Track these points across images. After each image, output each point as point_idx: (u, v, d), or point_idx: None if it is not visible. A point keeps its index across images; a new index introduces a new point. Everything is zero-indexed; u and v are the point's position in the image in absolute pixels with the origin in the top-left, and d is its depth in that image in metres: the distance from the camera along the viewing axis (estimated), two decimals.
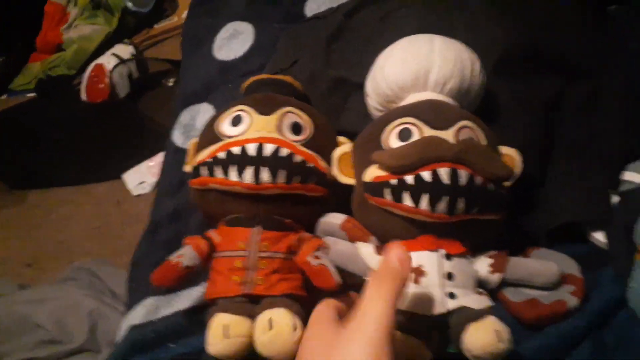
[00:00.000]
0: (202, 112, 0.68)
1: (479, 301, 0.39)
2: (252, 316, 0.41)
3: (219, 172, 0.44)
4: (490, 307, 0.39)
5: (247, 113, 0.47)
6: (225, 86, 0.69)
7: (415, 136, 0.41)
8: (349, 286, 0.42)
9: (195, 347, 0.47)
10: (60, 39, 1.79)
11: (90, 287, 0.97)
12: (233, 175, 0.43)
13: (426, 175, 0.37)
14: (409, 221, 0.40)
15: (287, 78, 0.54)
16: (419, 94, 0.46)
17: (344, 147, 0.47)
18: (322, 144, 0.48)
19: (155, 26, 1.80)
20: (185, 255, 0.46)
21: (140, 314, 0.52)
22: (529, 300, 0.41)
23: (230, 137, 0.46)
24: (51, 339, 0.85)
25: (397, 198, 0.39)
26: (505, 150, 0.44)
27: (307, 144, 0.46)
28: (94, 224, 1.36)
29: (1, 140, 1.54)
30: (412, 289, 0.39)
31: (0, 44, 1.84)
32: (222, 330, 0.40)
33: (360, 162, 0.44)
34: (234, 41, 0.74)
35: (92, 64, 1.59)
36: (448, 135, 0.40)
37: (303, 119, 0.48)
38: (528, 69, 0.52)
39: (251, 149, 0.43)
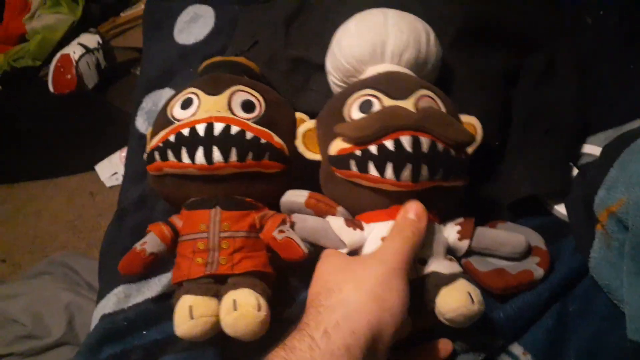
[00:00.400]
0: (165, 98, 0.67)
1: (450, 267, 0.40)
2: (218, 296, 0.42)
3: (171, 156, 0.43)
4: (461, 272, 0.40)
5: (195, 95, 0.47)
6: (187, 71, 0.69)
7: (376, 107, 0.41)
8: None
9: (167, 333, 0.48)
10: (23, 29, 1.74)
11: (66, 280, 0.97)
12: (185, 157, 0.43)
13: (389, 144, 0.38)
14: (376, 191, 0.40)
15: (241, 59, 0.53)
16: (378, 66, 0.46)
17: (308, 123, 0.47)
18: (276, 120, 0.47)
19: (122, 14, 1.76)
20: (149, 242, 0.46)
21: (111, 302, 0.52)
22: (496, 270, 0.42)
23: (180, 120, 0.46)
24: (28, 333, 0.84)
25: (363, 169, 0.39)
26: (465, 118, 0.45)
27: (259, 121, 0.46)
28: (67, 217, 1.34)
29: None
30: None
31: None
32: (187, 311, 0.40)
33: (324, 136, 0.44)
34: (194, 25, 0.73)
35: (58, 55, 1.56)
36: (408, 104, 0.41)
37: (254, 96, 0.48)
38: (484, 43, 0.53)
39: (200, 130, 0.42)
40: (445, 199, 0.42)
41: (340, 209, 0.45)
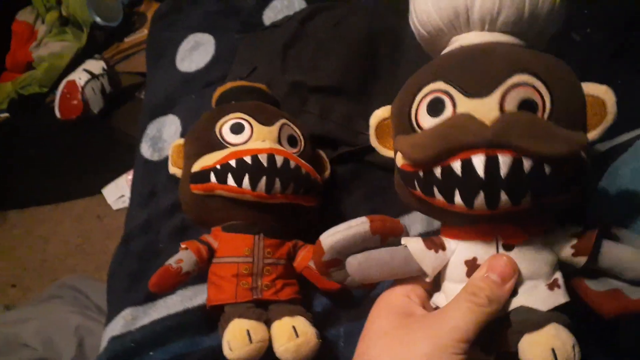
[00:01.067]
0: (168, 124, 0.70)
1: (546, 299, 0.32)
2: (264, 321, 0.43)
3: (230, 180, 0.44)
4: (560, 305, 0.32)
5: (247, 122, 0.48)
6: (188, 97, 0.71)
7: (448, 109, 0.32)
8: None
9: (174, 354, 0.49)
10: (30, 57, 1.79)
11: (75, 303, 0.98)
12: (245, 183, 0.44)
13: (456, 167, 0.30)
14: (451, 212, 0.33)
15: (262, 86, 0.55)
16: (465, 35, 0.36)
17: (381, 112, 0.39)
18: (311, 156, 0.50)
19: (125, 40, 1.80)
20: (185, 260, 0.46)
21: (119, 324, 0.53)
22: (612, 291, 0.33)
23: (233, 144, 0.47)
24: (39, 357, 0.86)
25: (428, 192, 0.32)
26: (590, 89, 0.33)
27: (300, 155, 0.49)
28: (75, 240, 1.36)
29: None
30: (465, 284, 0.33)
31: None
32: (246, 335, 0.41)
33: (394, 138, 0.37)
34: (195, 52, 0.76)
35: (64, 81, 1.59)
36: (490, 104, 0.30)
37: (296, 131, 0.51)
38: None
39: (263, 160, 0.44)
40: (547, 211, 0.33)
41: (405, 221, 0.41)
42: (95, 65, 1.63)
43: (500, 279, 0.31)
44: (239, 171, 0.44)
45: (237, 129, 0.48)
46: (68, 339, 0.87)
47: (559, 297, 0.32)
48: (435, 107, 0.32)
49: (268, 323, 0.43)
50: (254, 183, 0.44)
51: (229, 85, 0.54)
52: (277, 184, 0.44)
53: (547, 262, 0.33)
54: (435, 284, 0.36)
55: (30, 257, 1.35)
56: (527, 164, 0.29)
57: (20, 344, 0.87)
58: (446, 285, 0.35)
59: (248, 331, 0.41)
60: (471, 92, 0.31)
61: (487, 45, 0.34)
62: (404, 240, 0.35)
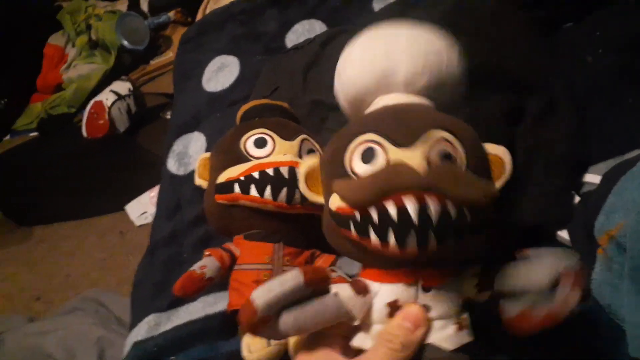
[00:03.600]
0: (194, 141, 0.73)
1: (453, 338, 0.35)
2: None
3: (253, 191, 0.47)
4: (466, 344, 0.36)
5: (269, 137, 0.51)
6: (213, 115, 0.74)
7: (380, 157, 0.35)
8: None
9: (195, 358, 0.51)
10: (60, 79, 1.85)
11: (97, 315, 1.00)
12: (267, 194, 0.47)
13: (391, 209, 0.32)
14: (381, 254, 0.36)
15: (284, 104, 0.58)
16: (387, 96, 0.40)
17: (309, 161, 0.41)
18: None
19: (151, 62, 1.85)
20: (209, 266, 0.48)
21: (142, 330, 0.56)
22: (523, 312, 0.36)
23: (257, 157, 0.50)
24: None
25: (363, 233, 0.34)
26: (492, 149, 0.39)
27: None
28: (99, 255, 1.39)
29: (7, 178, 1.59)
30: (386, 323, 0.36)
31: (2, 86, 1.90)
32: (265, 338, 0.43)
33: (326, 184, 0.39)
34: (220, 73, 0.79)
35: (92, 101, 1.64)
36: (416, 154, 0.34)
37: (315, 146, 0.54)
38: (485, 87, 0.55)
39: (284, 172, 0.47)
40: (462, 255, 0.37)
41: (336, 273, 0.44)
42: (122, 86, 1.68)
43: (413, 327, 0.33)
44: (262, 182, 0.46)
45: (260, 143, 0.50)
46: (89, 350, 0.89)
47: (465, 337, 0.36)
48: (368, 155, 0.36)
49: None
50: (275, 194, 0.46)
51: (252, 103, 0.57)
52: (297, 195, 0.47)
53: (456, 303, 0.36)
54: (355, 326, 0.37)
55: (54, 272, 1.39)
56: (451, 207, 0.32)
57: (43, 354, 0.89)
58: (371, 327, 0.36)
59: None
60: (400, 142, 0.35)
61: (409, 104, 0.39)
62: (334, 288, 0.36)
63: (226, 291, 0.53)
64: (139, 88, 1.74)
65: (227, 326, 0.52)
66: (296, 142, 0.51)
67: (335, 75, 0.44)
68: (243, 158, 0.50)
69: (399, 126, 0.36)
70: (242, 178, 0.48)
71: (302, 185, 0.41)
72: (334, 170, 0.38)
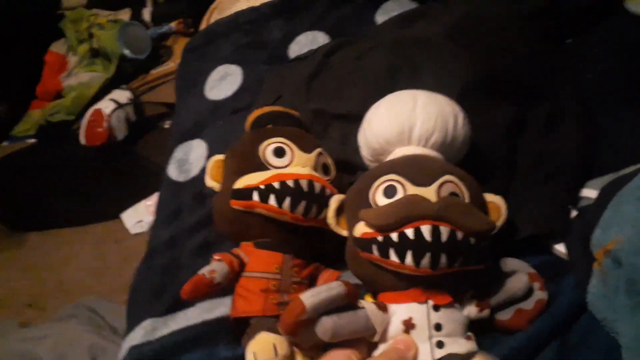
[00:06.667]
0: (195, 148, 0.73)
1: (466, 346, 0.41)
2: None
3: (272, 200, 0.47)
4: (477, 351, 0.41)
5: (288, 147, 0.52)
6: (216, 123, 0.75)
7: (400, 193, 0.43)
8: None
9: None
10: (60, 87, 1.85)
11: (90, 323, 1.00)
12: (286, 205, 0.47)
13: (409, 232, 0.39)
14: (398, 274, 0.42)
15: (295, 112, 0.58)
16: (405, 148, 0.48)
17: (339, 196, 0.49)
18: (339, 186, 0.52)
19: (152, 72, 1.86)
20: (219, 271, 0.48)
21: (139, 335, 0.55)
22: (516, 312, 0.45)
23: (276, 167, 0.50)
24: None
25: (384, 254, 0.41)
26: (490, 197, 0.47)
27: (332, 182, 0.52)
28: (93, 263, 1.39)
29: (3, 184, 1.58)
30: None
31: (1, 92, 1.90)
32: (272, 348, 0.42)
33: (351, 217, 0.46)
34: (223, 82, 0.80)
35: (91, 109, 1.64)
36: (430, 191, 0.42)
37: (329, 161, 0.55)
38: (490, 96, 0.57)
39: (304, 185, 0.47)
40: (465, 281, 0.43)
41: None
42: (122, 95, 1.68)
43: (405, 347, 0.40)
44: (282, 193, 0.47)
45: (279, 152, 0.51)
46: (81, 356, 0.89)
47: (473, 345, 0.42)
48: (390, 191, 0.43)
49: None
50: (294, 205, 0.47)
51: (267, 109, 0.57)
52: (314, 208, 0.48)
53: (462, 323, 0.43)
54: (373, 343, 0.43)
55: (47, 278, 1.38)
56: (459, 235, 0.40)
57: None
58: (388, 342, 0.42)
59: (275, 345, 0.42)
60: (418, 182, 0.43)
61: (423, 155, 0.47)
62: (363, 303, 0.42)
63: (223, 297, 0.53)
64: (138, 97, 1.74)
65: (223, 333, 0.52)
66: (313, 155, 0.52)
67: (362, 127, 0.52)
68: (261, 166, 0.50)
69: (418, 170, 0.44)
70: (262, 187, 0.48)
71: (331, 218, 0.48)
72: (359, 203, 0.45)
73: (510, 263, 0.47)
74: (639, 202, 0.41)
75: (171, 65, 1.83)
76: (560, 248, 0.52)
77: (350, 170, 0.58)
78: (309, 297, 0.38)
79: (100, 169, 1.58)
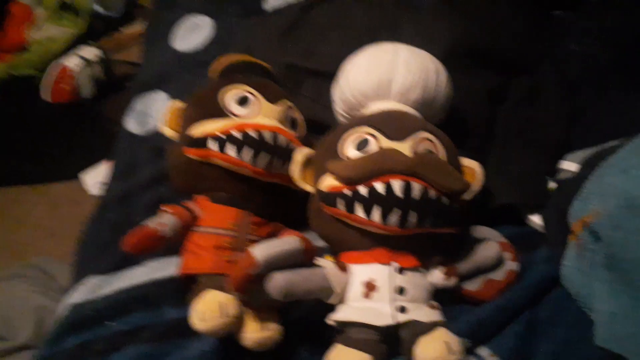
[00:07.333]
0: (157, 101, 0.69)
1: (430, 315, 0.39)
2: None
3: (231, 151, 0.43)
4: (442, 320, 0.39)
5: (253, 96, 0.47)
6: (182, 75, 0.70)
7: (373, 146, 0.41)
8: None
9: (134, 325, 0.47)
10: (23, 39, 1.77)
11: (38, 283, 0.95)
12: (246, 157, 0.43)
13: (379, 187, 0.37)
14: (363, 232, 0.40)
15: (268, 66, 0.53)
16: (382, 102, 0.46)
17: (305, 151, 0.45)
18: (307, 146, 0.49)
19: (124, 30, 1.79)
20: (169, 224, 0.43)
21: (81, 292, 0.52)
22: (485, 283, 0.43)
23: (237, 115, 0.46)
24: None
25: (350, 209, 0.38)
26: (466, 162, 0.44)
27: (299, 141, 0.48)
28: (49, 224, 1.33)
29: None
30: (363, 303, 0.39)
31: None
32: (219, 307, 0.38)
33: (318, 170, 0.43)
34: (193, 33, 0.75)
35: (56, 64, 1.58)
36: (405, 147, 0.40)
37: (298, 116, 0.50)
38: (471, 64, 0.55)
39: (268, 136, 0.43)
40: (433, 245, 0.41)
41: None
42: (90, 51, 1.61)
43: None
44: (241, 143, 0.43)
45: (243, 101, 0.47)
46: (26, 317, 0.85)
47: (438, 315, 0.40)
48: (362, 144, 0.41)
49: None
50: (255, 158, 0.43)
51: (235, 57, 0.53)
52: (277, 162, 0.44)
53: (427, 289, 0.41)
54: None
55: (0, 238, 1.31)
56: (432, 193, 0.38)
57: None
58: (348, 304, 0.40)
59: (223, 304, 0.38)
60: (392, 136, 0.41)
61: (402, 110, 0.45)
62: (321, 262, 0.40)
63: (175, 257, 0.49)
64: (108, 56, 1.67)
65: (172, 294, 0.48)
66: (280, 107, 0.48)
67: (338, 78, 0.49)
68: (221, 113, 0.46)
69: (393, 124, 0.42)
70: (220, 134, 0.44)
71: (295, 171, 0.44)
72: (327, 155, 0.42)
73: (481, 231, 0.45)
74: (623, 174, 0.39)
75: (145, 24, 1.76)
76: (535, 219, 0.51)
77: (321, 132, 0.55)
78: (261, 250, 0.36)
79: (63, 127, 1.52)
